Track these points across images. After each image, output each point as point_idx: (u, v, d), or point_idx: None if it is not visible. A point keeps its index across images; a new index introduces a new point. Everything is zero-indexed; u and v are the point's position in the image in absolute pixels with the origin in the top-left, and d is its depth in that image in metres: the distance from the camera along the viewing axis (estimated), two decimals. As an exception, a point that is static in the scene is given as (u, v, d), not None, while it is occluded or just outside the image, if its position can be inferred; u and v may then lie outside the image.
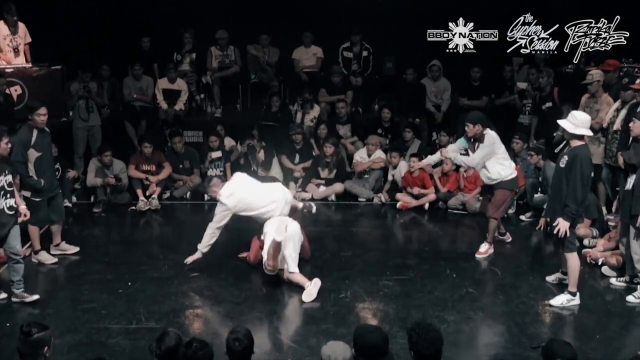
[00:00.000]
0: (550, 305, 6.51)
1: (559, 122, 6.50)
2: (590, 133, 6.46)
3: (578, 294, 6.52)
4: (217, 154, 10.30)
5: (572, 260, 6.47)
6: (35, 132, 7.22)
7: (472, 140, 7.57)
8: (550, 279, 7.05)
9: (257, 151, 10.36)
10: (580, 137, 6.29)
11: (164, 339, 4.21)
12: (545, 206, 7.46)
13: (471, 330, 6.11)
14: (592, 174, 8.49)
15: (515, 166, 7.85)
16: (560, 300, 6.53)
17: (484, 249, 7.85)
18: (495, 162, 7.53)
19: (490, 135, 7.51)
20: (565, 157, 6.31)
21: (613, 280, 7.03)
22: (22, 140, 7.13)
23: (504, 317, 6.36)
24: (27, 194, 7.28)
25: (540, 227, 8.36)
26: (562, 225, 6.26)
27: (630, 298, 6.65)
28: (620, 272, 7.06)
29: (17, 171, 6.94)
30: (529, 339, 5.85)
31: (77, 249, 7.92)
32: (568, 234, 6.30)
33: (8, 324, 6.00)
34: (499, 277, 7.32)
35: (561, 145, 8.64)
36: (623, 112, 8.33)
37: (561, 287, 6.76)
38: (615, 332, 6.17)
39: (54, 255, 7.69)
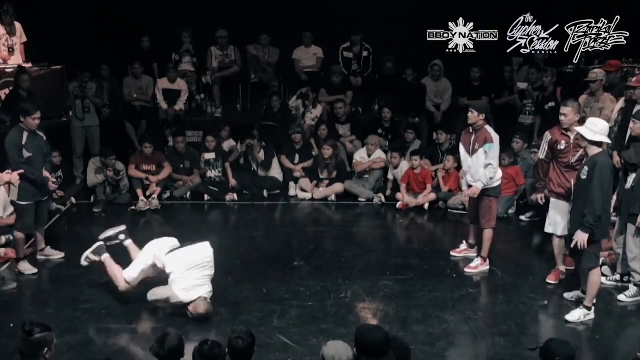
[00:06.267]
0: (567, 321, 6.12)
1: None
2: (609, 140, 6.18)
3: (594, 308, 6.19)
4: (210, 156, 10.29)
5: (594, 276, 6.09)
6: (25, 134, 7.09)
7: (470, 130, 7.20)
8: (569, 296, 6.60)
9: (257, 151, 10.36)
10: (599, 145, 5.94)
11: (166, 339, 4.22)
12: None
13: (471, 330, 6.11)
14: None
15: (517, 167, 7.49)
16: (576, 315, 6.15)
17: (476, 264, 7.36)
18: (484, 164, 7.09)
19: (495, 134, 7.15)
20: (586, 168, 5.94)
21: (603, 280, 6.78)
22: (14, 141, 7.06)
23: (504, 317, 6.35)
24: (14, 197, 7.20)
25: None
26: (579, 238, 5.84)
27: (622, 297, 6.63)
28: (613, 272, 7.01)
29: (21, 170, 6.90)
30: (529, 339, 5.85)
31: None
32: (585, 246, 5.87)
33: (12, 325, 5.98)
34: (499, 277, 7.31)
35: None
36: None
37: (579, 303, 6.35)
38: (615, 333, 6.17)
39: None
